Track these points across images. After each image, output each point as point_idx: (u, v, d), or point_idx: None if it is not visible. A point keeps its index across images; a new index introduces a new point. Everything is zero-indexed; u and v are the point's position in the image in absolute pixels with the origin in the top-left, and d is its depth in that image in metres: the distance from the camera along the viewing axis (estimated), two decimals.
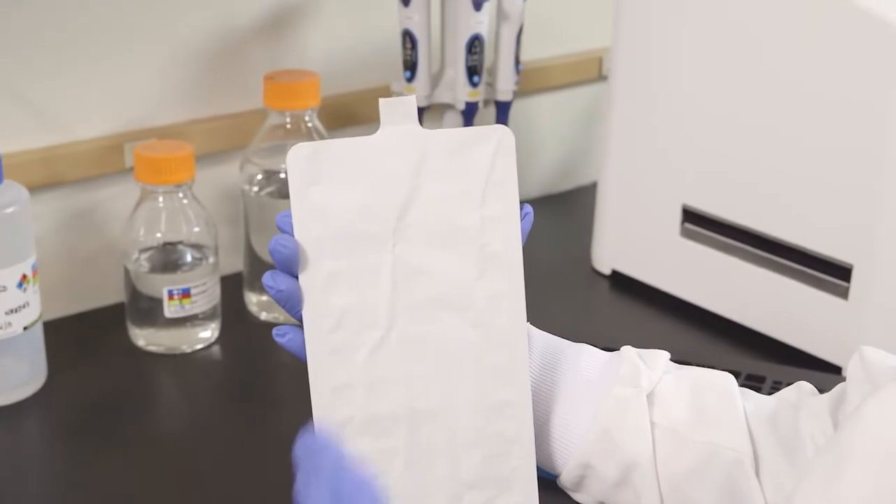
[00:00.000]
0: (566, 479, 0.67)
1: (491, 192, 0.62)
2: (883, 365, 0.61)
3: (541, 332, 0.68)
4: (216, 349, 1.06)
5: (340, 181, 0.61)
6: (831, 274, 1.01)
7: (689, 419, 0.65)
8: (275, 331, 0.63)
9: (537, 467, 0.64)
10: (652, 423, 0.65)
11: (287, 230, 0.62)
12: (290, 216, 0.61)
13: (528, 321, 0.65)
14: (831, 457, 0.56)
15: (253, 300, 1.12)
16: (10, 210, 0.92)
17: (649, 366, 0.67)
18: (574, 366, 0.66)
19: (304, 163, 0.61)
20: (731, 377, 0.68)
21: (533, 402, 0.64)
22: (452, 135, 0.63)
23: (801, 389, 0.67)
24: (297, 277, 0.61)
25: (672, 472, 0.64)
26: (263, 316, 1.11)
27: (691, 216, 1.11)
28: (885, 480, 0.52)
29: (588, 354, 0.67)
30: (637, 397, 0.65)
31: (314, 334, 0.61)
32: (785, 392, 0.68)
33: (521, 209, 0.63)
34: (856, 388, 0.62)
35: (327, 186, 0.61)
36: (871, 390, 0.60)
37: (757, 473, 0.63)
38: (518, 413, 0.63)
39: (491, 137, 0.62)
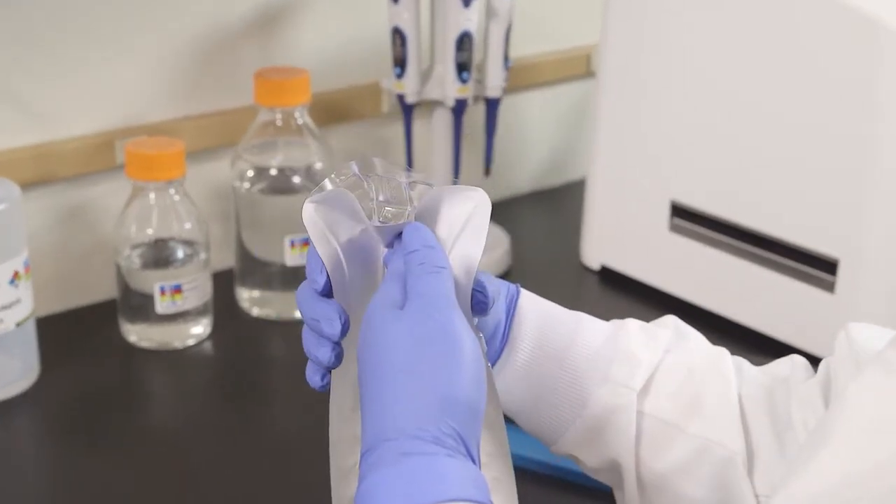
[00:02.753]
0: (555, 453, 0.68)
1: (454, 251, 0.60)
2: (867, 346, 0.62)
3: (536, 302, 0.67)
4: (208, 345, 1.06)
5: (346, 227, 0.61)
6: (818, 268, 1.02)
7: (682, 410, 0.65)
8: (312, 380, 0.61)
9: None
10: (643, 414, 0.65)
11: (322, 289, 0.60)
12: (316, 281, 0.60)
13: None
14: (814, 437, 0.57)
15: (244, 296, 1.12)
16: (1, 207, 0.93)
17: (651, 345, 0.66)
18: (566, 350, 0.66)
19: (316, 214, 0.60)
20: (728, 357, 0.68)
21: (524, 384, 0.65)
22: (432, 195, 0.61)
23: (795, 363, 0.68)
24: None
25: (661, 465, 0.65)
26: (255, 312, 1.11)
27: (680, 211, 1.12)
28: (863, 454, 0.52)
29: (583, 340, 0.66)
30: (627, 396, 0.65)
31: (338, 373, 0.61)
32: (777, 367, 0.68)
33: (508, 289, 0.63)
34: (842, 367, 0.63)
35: (337, 232, 0.61)
36: (854, 371, 0.60)
37: (750, 465, 0.64)
38: (496, 442, 0.61)
39: (469, 201, 0.61)
